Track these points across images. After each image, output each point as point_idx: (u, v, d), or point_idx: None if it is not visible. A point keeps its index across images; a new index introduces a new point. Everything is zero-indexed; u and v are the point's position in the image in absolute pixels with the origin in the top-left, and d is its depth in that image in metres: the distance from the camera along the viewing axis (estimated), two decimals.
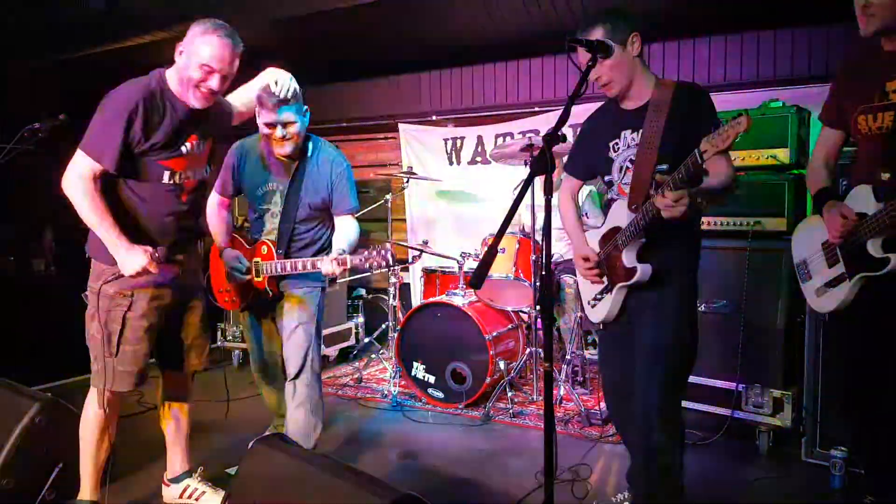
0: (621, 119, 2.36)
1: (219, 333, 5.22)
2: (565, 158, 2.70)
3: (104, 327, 2.45)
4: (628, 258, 2.30)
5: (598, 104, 2.54)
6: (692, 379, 3.35)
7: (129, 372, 2.48)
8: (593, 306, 2.52)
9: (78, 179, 2.31)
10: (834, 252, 2.28)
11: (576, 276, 2.63)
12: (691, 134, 2.07)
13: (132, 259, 2.33)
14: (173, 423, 2.81)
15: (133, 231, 2.41)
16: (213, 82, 2.35)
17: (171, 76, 2.42)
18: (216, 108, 2.57)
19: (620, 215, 2.32)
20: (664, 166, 2.17)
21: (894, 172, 2.11)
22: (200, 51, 2.32)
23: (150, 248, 2.35)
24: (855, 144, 2.36)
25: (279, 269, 2.90)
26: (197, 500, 2.78)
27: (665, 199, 2.04)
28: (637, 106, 2.32)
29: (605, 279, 2.43)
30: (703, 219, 3.36)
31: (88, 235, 2.47)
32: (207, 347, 2.80)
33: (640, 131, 2.27)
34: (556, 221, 3.73)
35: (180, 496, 2.81)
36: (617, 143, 2.37)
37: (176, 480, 2.83)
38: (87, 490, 2.57)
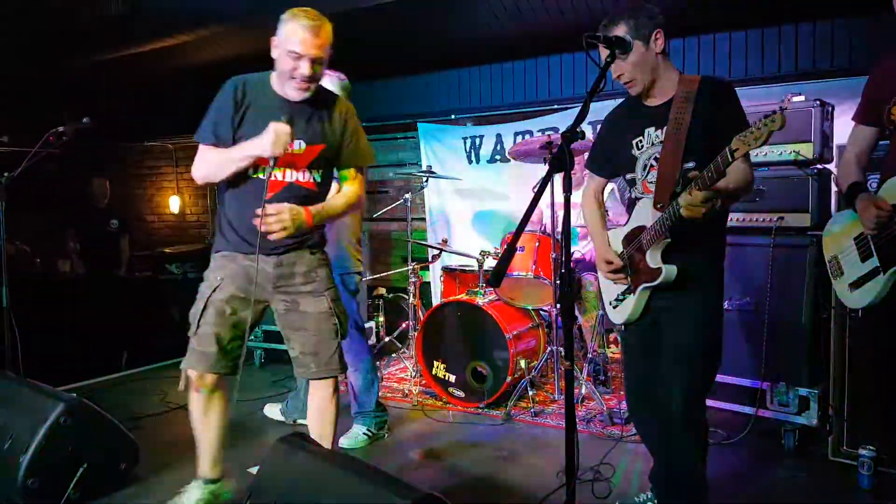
0: (644, 115, 2.31)
1: None
2: (586, 155, 2.67)
3: (195, 305, 2.52)
4: (653, 258, 2.25)
5: (618, 100, 2.50)
6: (716, 378, 3.32)
7: (203, 353, 2.47)
8: (615, 307, 2.48)
9: (196, 164, 2.46)
10: (867, 246, 2.23)
11: (597, 274, 2.59)
12: (719, 129, 2.03)
13: (263, 141, 2.31)
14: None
15: (227, 225, 2.53)
16: (304, 68, 2.36)
17: (274, 77, 2.48)
18: (327, 117, 2.53)
19: (645, 214, 2.27)
20: (691, 163, 2.13)
21: None
22: (287, 40, 2.35)
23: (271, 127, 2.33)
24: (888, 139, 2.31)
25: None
26: None
27: (692, 197, 2.00)
28: (661, 102, 2.27)
29: (628, 279, 2.39)
30: None
31: None
32: (328, 355, 2.56)
33: (665, 128, 2.21)
34: (575, 219, 3.72)
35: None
36: (640, 141, 2.31)
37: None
38: (204, 468, 2.64)
